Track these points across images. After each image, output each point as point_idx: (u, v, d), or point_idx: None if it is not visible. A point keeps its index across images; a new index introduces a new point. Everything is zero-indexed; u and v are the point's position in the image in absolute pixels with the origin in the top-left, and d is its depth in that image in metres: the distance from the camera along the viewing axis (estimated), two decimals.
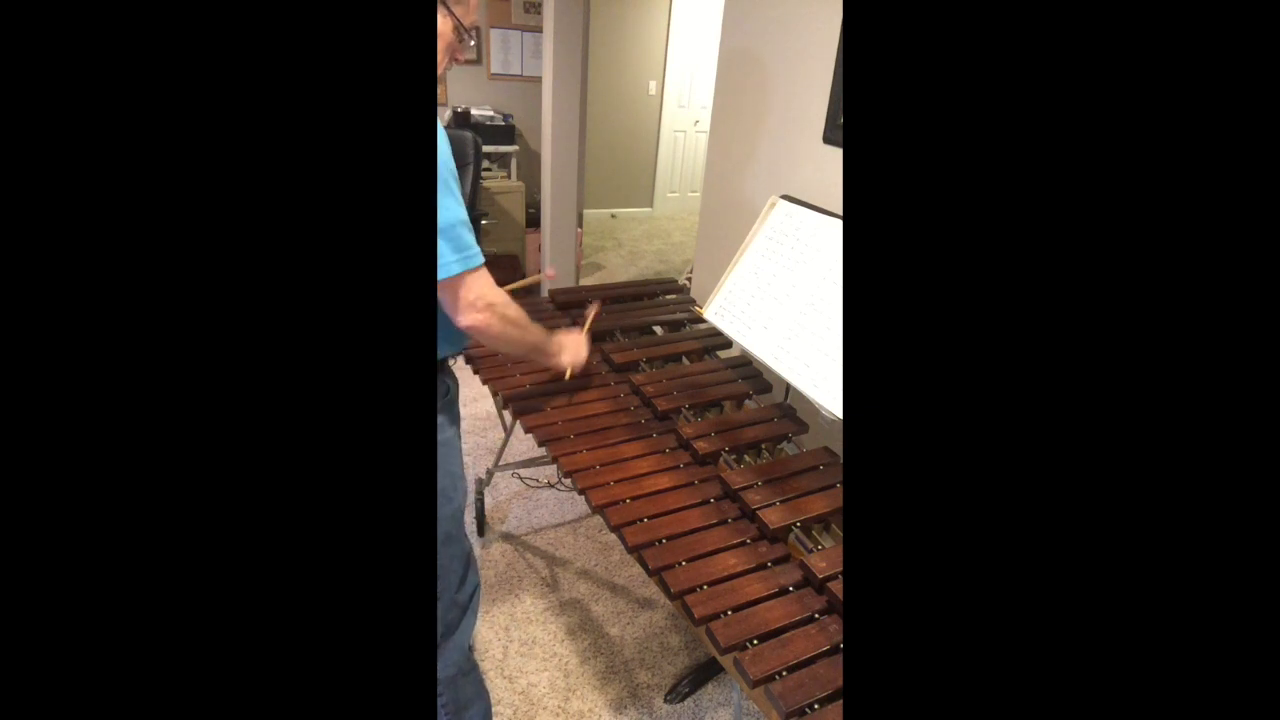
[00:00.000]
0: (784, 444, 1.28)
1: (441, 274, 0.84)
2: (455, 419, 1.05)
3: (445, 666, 1.09)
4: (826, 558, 0.96)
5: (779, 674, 0.82)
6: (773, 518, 1.03)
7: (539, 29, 3.32)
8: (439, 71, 0.91)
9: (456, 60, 0.95)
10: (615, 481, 1.10)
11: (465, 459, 1.92)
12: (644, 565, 0.97)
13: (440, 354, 0.99)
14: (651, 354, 1.48)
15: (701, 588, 0.92)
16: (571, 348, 1.26)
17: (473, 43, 1.00)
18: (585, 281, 3.74)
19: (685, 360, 1.51)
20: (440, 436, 0.99)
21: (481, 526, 1.95)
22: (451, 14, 0.90)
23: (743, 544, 1.01)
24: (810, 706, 0.79)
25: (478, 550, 1.87)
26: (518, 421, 1.29)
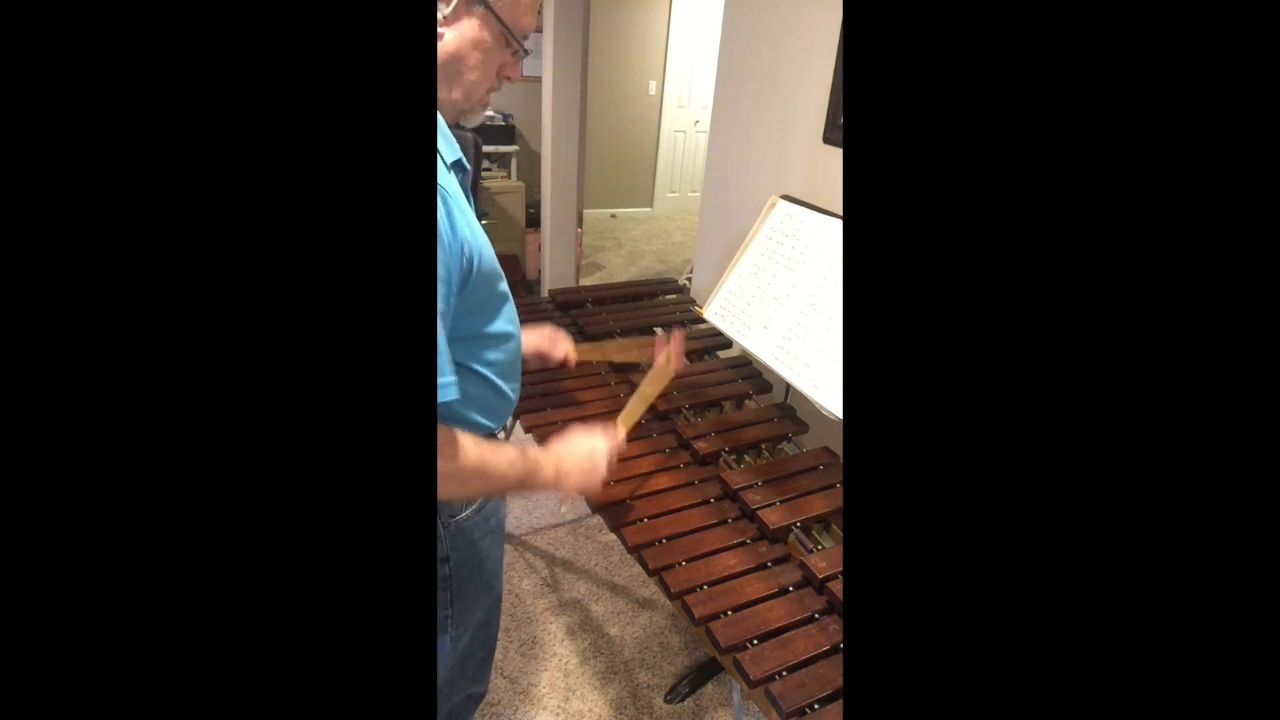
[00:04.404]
0: (784, 444, 1.28)
1: None
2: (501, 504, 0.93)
3: None
4: (826, 558, 0.96)
5: (779, 674, 0.82)
6: (773, 518, 1.03)
7: (539, 29, 3.32)
8: (480, 95, 0.72)
9: (507, 78, 0.74)
10: (615, 481, 1.10)
11: None
12: (644, 565, 0.97)
13: (489, 429, 0.83)
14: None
15: (701, 588, 0.92)
16: (581, 463, 0.84)
17: (527, 53, 0.74)
18: (585, 281, 3.74)
19: (685, 360, 1.51)
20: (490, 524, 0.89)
21: None
22: (494, 14, 0.67)
23: (743, 544, 1.01)
24: (810, 706, 0.79)
25: None
26: (517, 421, 1.29)
